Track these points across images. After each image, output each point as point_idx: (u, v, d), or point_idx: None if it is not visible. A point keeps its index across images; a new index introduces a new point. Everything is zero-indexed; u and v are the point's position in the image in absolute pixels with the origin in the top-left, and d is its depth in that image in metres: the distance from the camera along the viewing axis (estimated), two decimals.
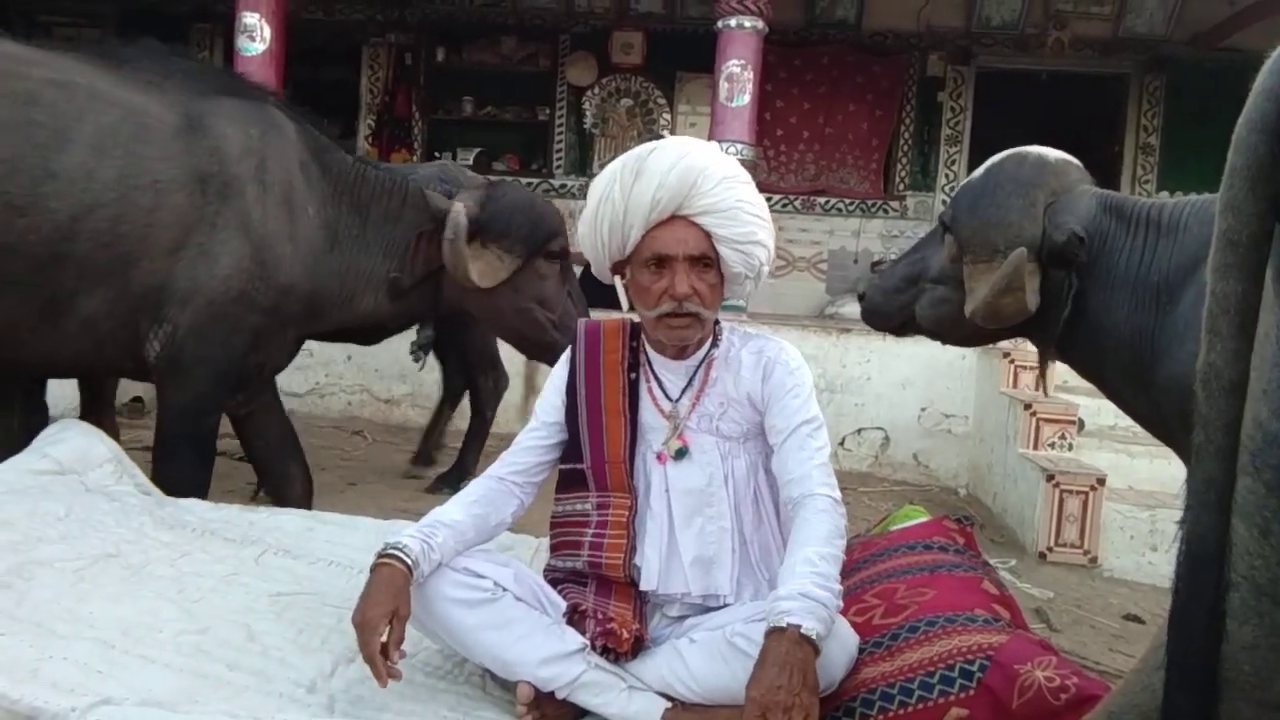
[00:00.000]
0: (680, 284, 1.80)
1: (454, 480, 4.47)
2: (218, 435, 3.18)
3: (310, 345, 3.69)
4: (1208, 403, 0.99)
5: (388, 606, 1.66)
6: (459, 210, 3.04)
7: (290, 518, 2.56)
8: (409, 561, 1.71)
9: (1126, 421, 5.12)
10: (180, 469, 2.93)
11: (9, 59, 2.61)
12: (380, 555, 1.73)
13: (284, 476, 3.37)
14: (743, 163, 4.04)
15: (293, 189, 2.95)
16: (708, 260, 1.82)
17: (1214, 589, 0.99)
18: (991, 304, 2.25)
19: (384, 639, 1.64)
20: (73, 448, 2.54)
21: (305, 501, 3.32)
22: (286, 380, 5.67)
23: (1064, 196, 2.26)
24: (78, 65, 2.73)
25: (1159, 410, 2.14)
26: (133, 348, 2.82)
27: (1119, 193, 2.30)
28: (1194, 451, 1.01)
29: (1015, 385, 5.28)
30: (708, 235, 1.81)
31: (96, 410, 4.13)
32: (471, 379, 4.78)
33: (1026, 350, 5.16)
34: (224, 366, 2.91)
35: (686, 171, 1.78)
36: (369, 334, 4.03)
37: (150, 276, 2.72)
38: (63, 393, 5.80)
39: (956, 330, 2.49)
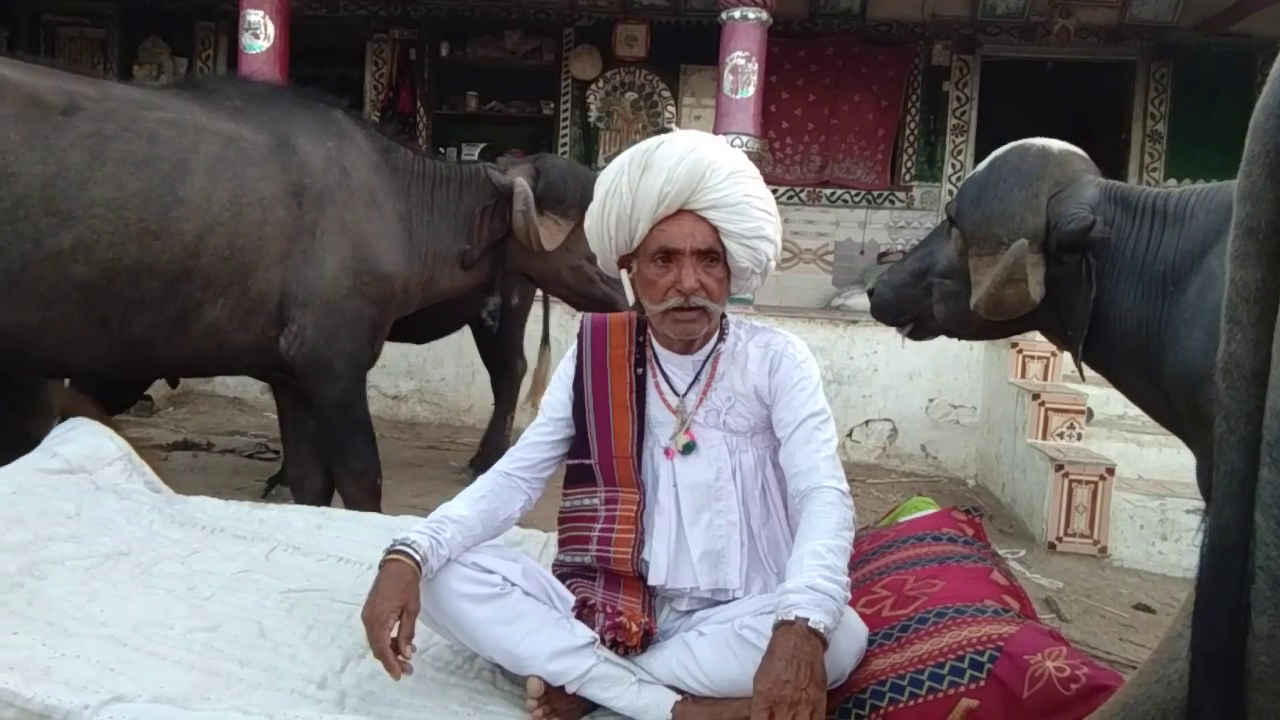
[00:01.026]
0: (687, 278, 1.79)
1: (484, 467, 4.55)
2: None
3: None
4: (1229, 393, 0.98)
5: (397, 601, 1.66)
6: (523, 183, 3.37)
7: (300, 515, 2.57)
8: (417, 558, 1.72)
9: (1135, 411, 5.11)
10: (359, 456, 3.26)
11: (129, 103, 2.88)
12: (389, 552, 1.74)
13: (308, 469, 3.48)
14: (748, 155, 4.03)
15: (374, 189, 3.25)
16: (715, 254, 1.81)
17: (1238, 581, 0.98)
18: (994, 295, 2.26)
19: (394, 634, 1.64)
20: (82, 446, 2.55)
21: (322, 499, 3.41)
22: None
23: (1068, 187, 2.25)
24: (180, 103, 3.02)
25: (1167, 399, 2.13)
26: (251, 348, 3.10)
27: (1124, 182, 2.29)
28: (1216, 443, 1.00)
29: (1023, 375, 5.27)
30: (715, 230, 1.80)
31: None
32: (498, 369, 5.07)
33: (1034, 340, 5.14)
34: (358, 357, 3.25)
35: (695, 165, 1.78)
36: (425, 331, 4.47)
37: (264, 283, 3.02)
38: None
39: (967, 325, 2.48)
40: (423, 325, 4.20)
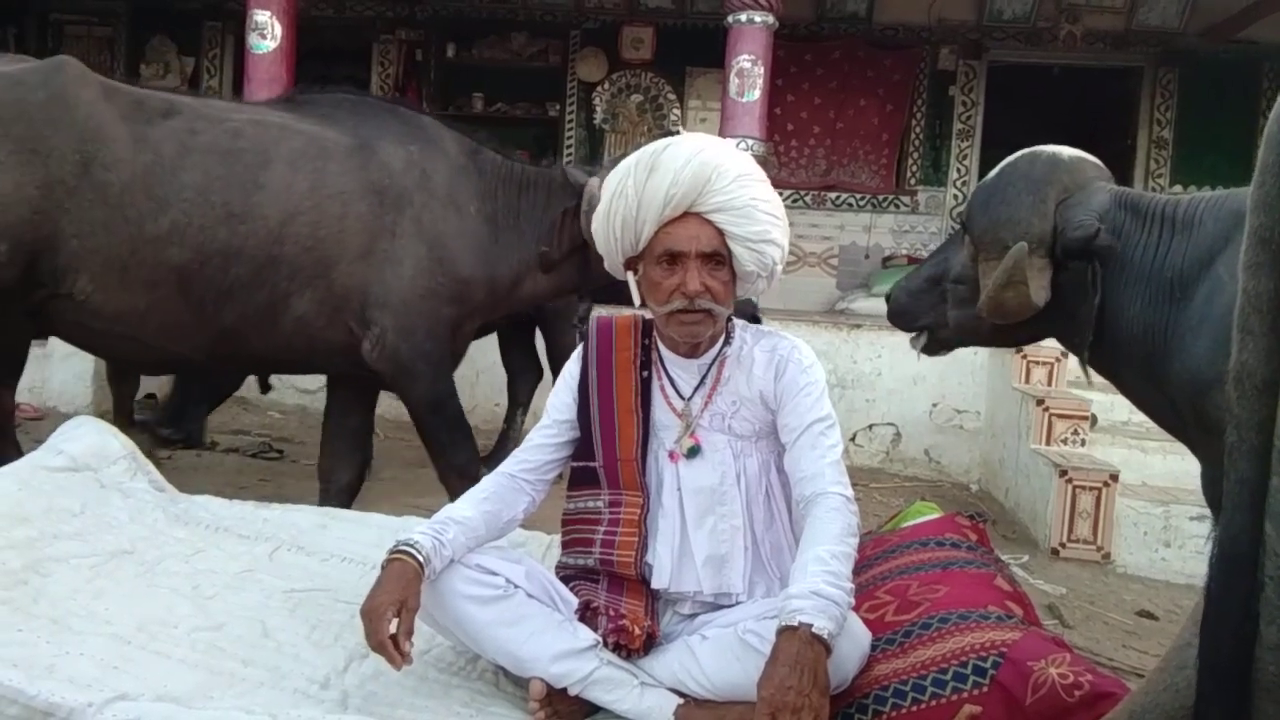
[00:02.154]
0: (692, 281, 1.79)
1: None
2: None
3: None
4: (1240, 402, 0.98)
5: (396, 596, 1.67)
6: (594, 184, 3.30)
7: (303, 514, 2.57)
8: (420, 558, 1.72)
9: (1139, 417, 5.09)
10: (460, 451, 3.31)
11: (218, 107, 3.12)
12: (391, 552, 1.74)
13: (339, 463, 3.53)
14: (753, 158, 4.03)
15: (454, 191, 3.27)
16: (720, 257, 1.81)
17: (1247, 590, 0.98)
18: (994, 298, 2.27)
19: (392, 629, 1.64)
20: (87, 444, 2.55)
21: (348, 494, 3.49)
22: (299, 376, 5.70)
23: (1077, 193, 2.25)
24: (269, 109, 3.25)
25: (1173, 405, 2.13)
26: (343, 347, 3.17)
27: (1135, 189, 2.28)
28: (1226, 451, 1.00)
29: (1027, 380, 5.26)
30: (721, 233, 1.80)
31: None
32: (514, 374, 5.14)
33: (1038, 346, 5.13)
34: (439, 356, 3.28)
35: (701, 168, 1.77)
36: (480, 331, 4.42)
37: (348, 279, 3.07)
38: (72, 392, 5.84)
39: (978, 331, 2.48)
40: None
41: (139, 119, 2.90)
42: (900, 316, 2.67)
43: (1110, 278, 2.18)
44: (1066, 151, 2.34)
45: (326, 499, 3.43)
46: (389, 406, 6.06)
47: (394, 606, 1.65)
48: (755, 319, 3.34)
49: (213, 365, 3.52)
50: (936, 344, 2.61)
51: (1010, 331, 2.42)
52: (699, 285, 1.79)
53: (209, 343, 3.04)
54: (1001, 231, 2.26)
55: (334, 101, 3.34)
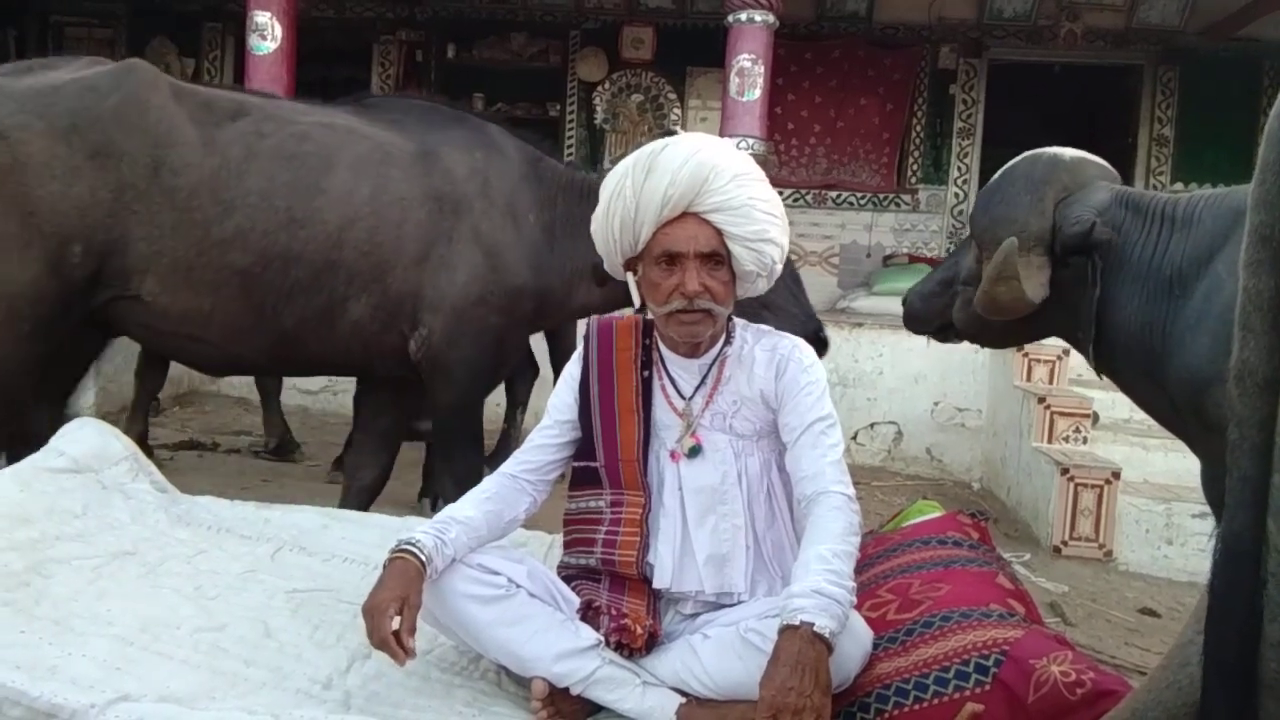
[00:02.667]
0: (691, 281, 1.79)
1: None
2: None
3: None
4: (1241, 399, 0.98)
5: (398, 593, 1.67)
6: None
7: (305, 515, 2.57)
8: (422, 556, 1.72)
9: (1141, 415, 5.08)
10: (464, 463, 3.29)
11: (287, 109, 3.16)
12: (393, 551, 1.75)
13: (367, 461, 3.53)
14: (754, 157, 4.03)
15: (515, 200, 3.26)
16: (719, 257, 1.81)
17: (1250, 587, 0.98)
18: (987, 293, 2.30)
19: (394, 627, 1.64)
20: (88, 446, 2.55)
21: (369, 494, 3.49)
22: (299, 378, 5.70)
23: (1077, 192, 2.26)
24: (337, 112, 3.25)
25: (1172, 403, 2.13)
26: (396, 351, 3.18)
27: (1138, 188, 2.29)
28: (1228, 449, 1.00)
29: (1029, 379, 5.26)
30: (719, 232, 1.80)
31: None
32: (512, 373, 5.05)
33: (1040, 344, 5.13)
34: (479, 364, 3.26)
35: (698, 168, 1.77)
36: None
37: (404, 284, 3.09)
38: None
39: (984, 330, 2.51)
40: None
41: (208, 122, 2.95)
42: (914, 320, 2.71)
43: (1110, 275, 2.19)
44: (1068, 153, 2.36)
45: (347, 496, 3.46)
46: None
47: (396, 603, 1.66)
48: (821, 340, 3.31)
49: (273, 367, 3.59)
50: (948, 335, 2.64)
51: (1017, 330, 2.44)
52: (698, 285, 1.79)
53: (269, 345, 3.08)
54: (1000, 231, 2.28)
55: (403, 107, 3.38)
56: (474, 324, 3.16)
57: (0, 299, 2.78)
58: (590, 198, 3.34)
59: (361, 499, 3.43)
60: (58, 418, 3.09)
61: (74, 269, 2.82)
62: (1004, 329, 2.43)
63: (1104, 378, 2.40)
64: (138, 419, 4.71)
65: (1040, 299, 2.26)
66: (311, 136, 3.04)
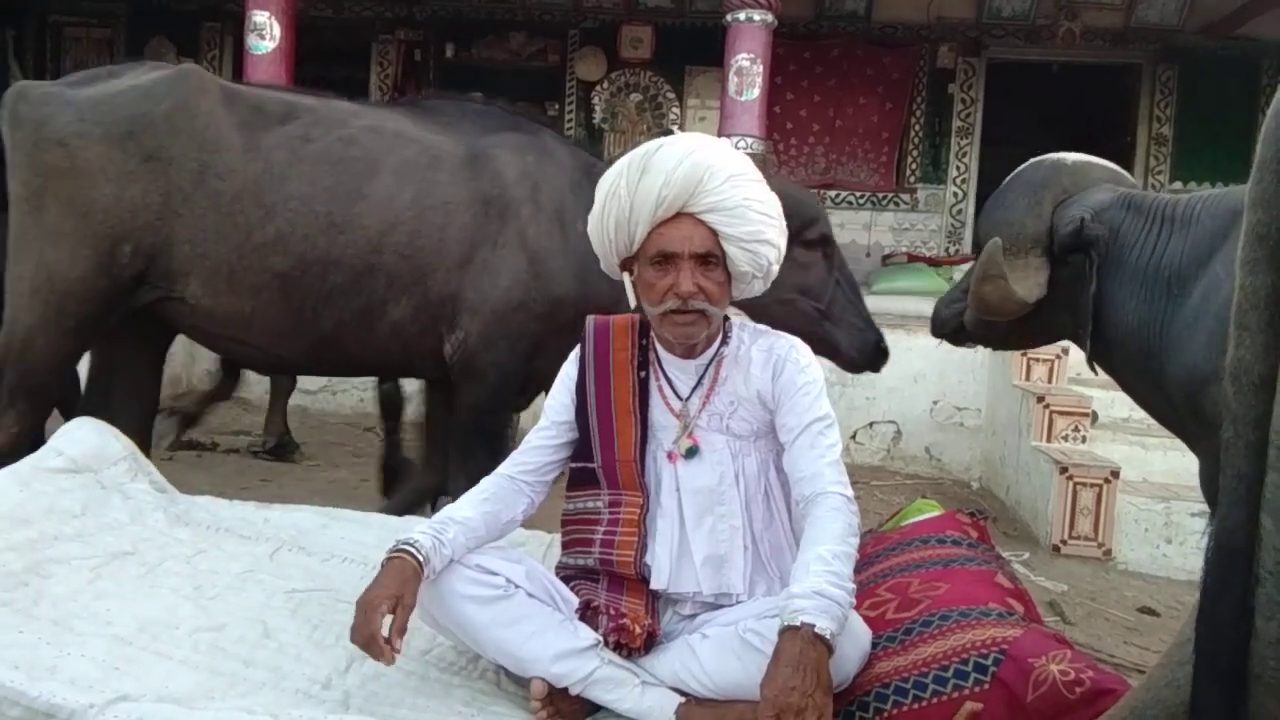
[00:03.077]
0: (684, 281, 1.78)
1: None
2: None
3: None
4: (1237, 398, 0.99)
5: (392, 591, 1.67)
6: None
7: (304, 515, 2.57)
8: (420, 557, 1.72)
9: (1140, 414, 5.08)
10: (478, 465, 3.28)
11: (340, 112, 3.14)
12: (391, 551, 1.75)
13: (430, 463, 3.60)
14: (752, 157, 4.03)
15: (564, 207, 3.20)
16: (713, 258, 1.81)
17: (1243, 584, 0.98)
18: (976, 293, 2.35)
19: (385, 627, 1.64)
20: (87, 446, 2.55)
21: (425, 495, 3.55)
22: (301, 377, 5.70)
23: (1076, 194, 2.29)
24: (390, 114, 3.25)
25: (1170, 402, 2.14)
26: (436, 352, 3.17)
27: (1141, 190, 2.31)
28: (1223, 447, 1.00)
29: (1028, 378, 5.26)
30: (714, 233, 1.80)
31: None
32: None
33: None
34: (511, 369, 3.19)
35: (693, 168, 1.77)
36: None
37: (444, 286, 3.07)
38: None
39: (993, 331, 2.54)
40: None
41: (256, 126, 2.98)
42: (935, 325, 2.77)
43: (1109, 274, 2.20)
44: (1072, 157, 2.40)
45: (404, 493, 3.57)
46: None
47: (389, 601, 1.66)
48: (882, 351, 3.28)
49: (314, 368, 3.62)
50: (965, 336, 2.68)
51: (1023, 332, 2.47)
52: (692, 286, 1.79)
53: (309, 347, 3.10)
54: (999, 234, 2.32)
55: (459, 109, 3.38)
56: (512, 329, 3.13)
57: (50, 294, 2.86)
58: None
59: (411, 499, 3.51)
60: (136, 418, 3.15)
61: (122, 269, 2.88)
62: (1011, 330, 2.45)
63: (1099, 373, 2.43)
64: (275, 418, 4.98)
65: (1034, 298, 2.29)
66: (358, 141, 3.05)
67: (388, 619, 1.65)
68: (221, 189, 2.90)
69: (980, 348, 5.53)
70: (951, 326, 2.68)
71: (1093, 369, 2.39)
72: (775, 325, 3.41)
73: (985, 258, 2.29)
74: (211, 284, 2.93)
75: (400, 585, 1.68)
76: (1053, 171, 2.35)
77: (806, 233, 3.19)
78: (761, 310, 3.29)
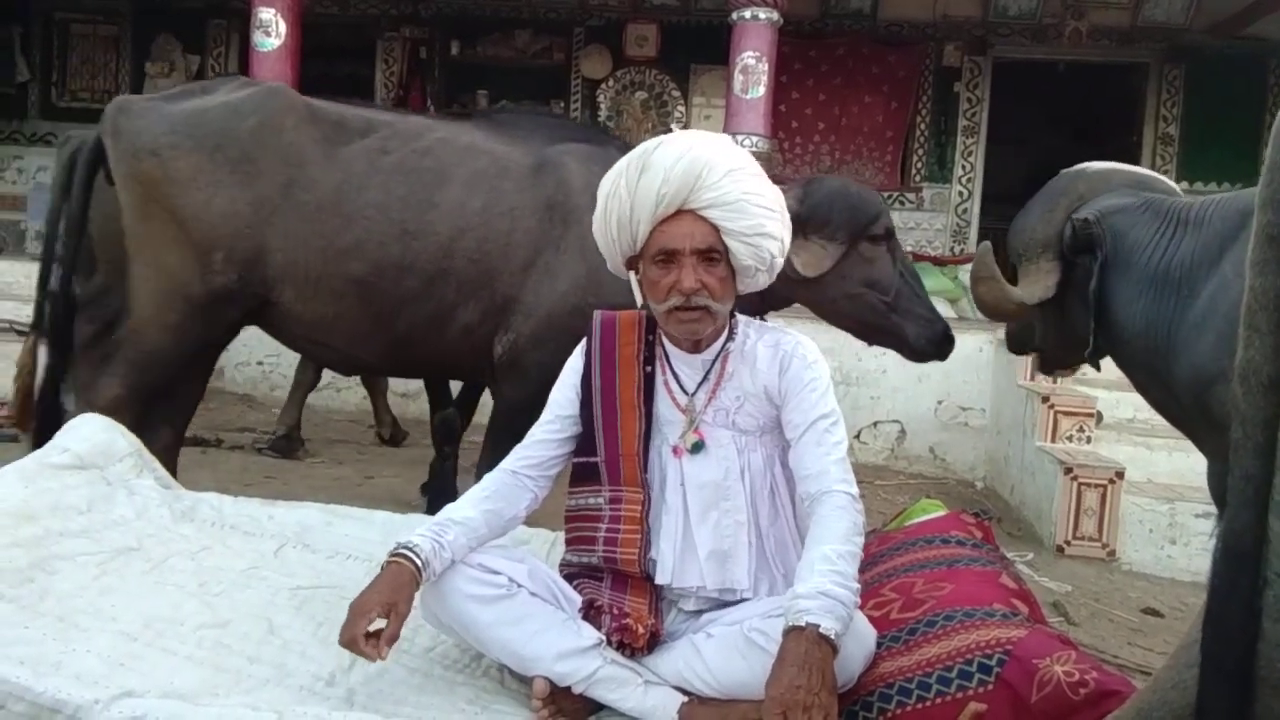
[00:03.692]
0: (687, 278, 1.79)
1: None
2: None
3: None
4: (1246, 399, 0.98)
5: (385, 597, 1.68)
6: None
7: (309, 512, 2.57)
8: (419, 561, 1.73)
9: (1145, 414, 5.10)
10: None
11: (415, 125, 3.30)
12: (391, 554, 1.75)
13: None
14: (757, 155, 4.03)
15: None
16: (716, 253, 1.81)
17: (1250, 586, 0.98)
18: (974, 294, 2.45)
19: (373, 628, 1.65)
20: (93, 442, 2.56)
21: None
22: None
23: (1093, 199, 2.33)
24: (463, 127, 3.38)
25: (1178, 402, 2.14)
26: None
27: (1166, 195, 2.33)
28: (1231, 448, 1.00)
29: (1033, 378, 5.25)
30: (715, 228, 1.80)
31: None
32: None
33: None
34: (555, 371, 3.22)
35: (691, 165, 1.77)
36: None
37: (508, 289, 3.18)
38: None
39: (1030, 340, 2.61)
40: None
41: (337, 140, 3.13)
42: (1010, 340, 2.82)
43: (1120, 275, 2.23)
44: (1095, 165, 2.45)
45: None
46: (393, 405, 6.08)
47: (381, 608, 1.66)
48: (949, 339, 3.30)
49: (389, 370, 3.73)
50: (1045, 362, 2.72)
51: (1059, 340, 2.50)
52: (694, 282, 1.79)
53: (384, 349, 3.23)
54: (1014, 240, 2.42)
55: (531, 122, 3.52)
56: (564, 332, 3.13)
57: (157, 292, 3.06)
58: None
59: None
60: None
61: (216, 275, 3.03)
62: (1045, 337, 2.52)
63: (1101, 370, 2.46)
64: (291, 410, 5.07)
65: (1035, 300, 2.34)
66: (432, 152, 3.18)
67: (379, 622, 1.66)
68: (306, 200, 3.05)
69: (982, 346, 5.53)
70: (1015, 341, 2.76)
71: (1095, 366, 2.42)
72: (844, 320, 3.50)
73: (976, 260, 2.38)
74: (302, 290, 3.09)
75: (394, 592, 1.69)
76: (1071, 179, 2.41)
77: (872, 228, 3.26)
78: (831, 305, 3.42)
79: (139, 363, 3.09)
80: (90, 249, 3.30)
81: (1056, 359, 2.68)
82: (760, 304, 3.45)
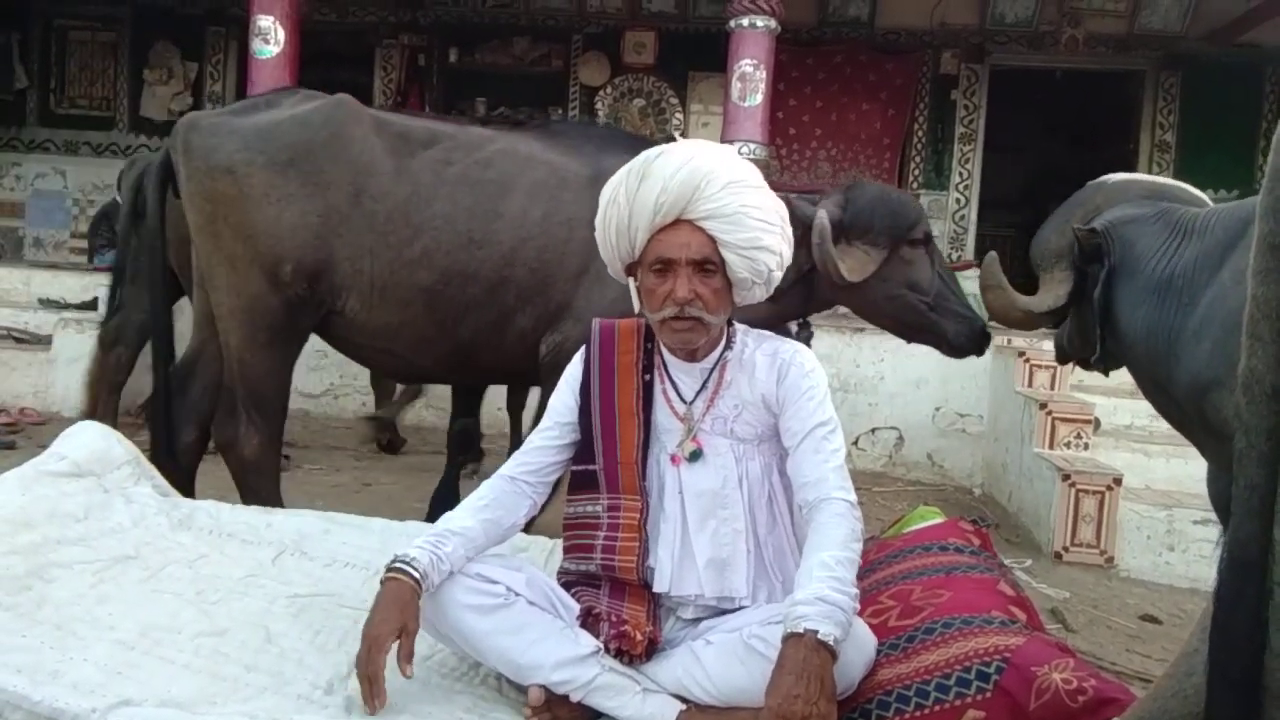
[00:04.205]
0: (681, 288, 1.79)
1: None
2: None
3: (324, 347, 3.76)
4: (1249, 408, 0.98)
5: (395, 624, 1.68)
6: (822, 215, 3.29)
7: (306, 519, 2.57)
8: (417, 575, 1.73)
9: (1143, 421, 5.11)
10: None
11: (476, 137, 3.34)
12: (389, 569, 1.75)
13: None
14: (755, 162, 4.03)
15: None
16: (712, 264, 1.81)
17: (1257, 595, 0.98)
18: (983, 300, 2.52)
19: (391, 654, 1.67)
20: (90, 450, 2.55)
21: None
22: (301, 381, 5.71)
23: (1109, 209, 2.38)
24: (521, 138, 3.43)
25: (1180, 408, 2.17)
26: None
27: (1185, 206, 2.36)
28: (1235, 457, 1.00)
29: (1030, 384, 5.25)
30: (712, 240, 1.80)
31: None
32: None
33: (1041, 349, 5.13)
34: None
35: (691, 175, 1.78)
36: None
37: (562, 295, 3.25)
38: (76, 397, 5.84)
39: (1060, 351, 2.64)
40: None
41: (403, 151, 3.17)
42: (1057, 351, 2.83)
43: (1127, 283, 2.28)
44: (1114, 177, 2.51)
45: None
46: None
47: (394, 635, 1.67)
48: (987, 335, 3.40)
49: (450, 376, 3.82)
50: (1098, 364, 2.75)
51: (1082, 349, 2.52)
52: (687, 293, 1.79)
53: (447, 356, 3.29)
54: (1033, 251, 2.49)
55: (584, 132, 3.62)
56: None
57: (242, 314, 3.10)
58: None
59: None
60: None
61: (286, 287, 3.07)
62: (1073, 340, 2.54)
63: (1108, 377, 2.48)
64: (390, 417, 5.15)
65: (1044, 308, 2.40)
66: (494, 164, 3.23)
67: (394, 649, 1.67)
68: (375, 210, 3.09)
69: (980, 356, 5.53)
70: (1059, 351, 2.76)
71: (1104, 372, 2.46)
72: (886, 320, 3.57)
73: (984, 269, 2.45)
74: (368, 299, 3.13)
75: (400, 612, 1.69)
76: (1090, 191, 2.48)
77: (912, 233, 3.34)
78: (873, 307, 3.51)
79: (259, 398, 3.15)
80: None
81: (1085, 364, 2.76)
82: (803, 307, 3.56)
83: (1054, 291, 2.38)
